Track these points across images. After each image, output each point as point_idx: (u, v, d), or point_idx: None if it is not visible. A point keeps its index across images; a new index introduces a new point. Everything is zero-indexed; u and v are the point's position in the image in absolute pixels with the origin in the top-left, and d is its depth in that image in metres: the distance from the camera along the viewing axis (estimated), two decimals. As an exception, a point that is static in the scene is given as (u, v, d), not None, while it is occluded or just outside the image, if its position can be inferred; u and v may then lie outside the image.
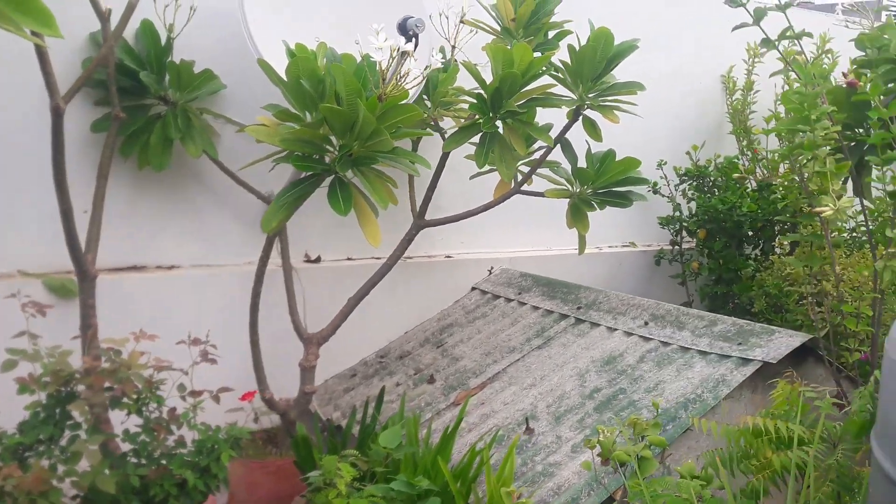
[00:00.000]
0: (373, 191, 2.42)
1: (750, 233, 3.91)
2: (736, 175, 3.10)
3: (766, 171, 4.08)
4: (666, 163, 4.29)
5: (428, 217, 3.30)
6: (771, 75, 3.14)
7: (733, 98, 4.43)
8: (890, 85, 2.88)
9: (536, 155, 3.20)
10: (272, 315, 3.18)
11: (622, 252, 4.41)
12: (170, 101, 2.96)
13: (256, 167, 2.66)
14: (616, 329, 3.15)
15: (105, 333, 2.36)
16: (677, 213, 4.22)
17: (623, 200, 3.21)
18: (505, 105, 2.84)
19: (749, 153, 4.30)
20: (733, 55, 4.52)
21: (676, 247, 4.25)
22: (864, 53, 2.96)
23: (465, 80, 3.13)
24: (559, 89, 3.05)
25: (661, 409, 2.52)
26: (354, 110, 2.31)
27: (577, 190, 3.24)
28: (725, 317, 2.94)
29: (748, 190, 3.91)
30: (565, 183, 3.28)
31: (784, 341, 2.68)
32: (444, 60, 2.62)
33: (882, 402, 1.41)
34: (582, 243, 3.31)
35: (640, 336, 3.04)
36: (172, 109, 2.95)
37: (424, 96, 3.19)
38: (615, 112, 3.14)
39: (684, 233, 4.23)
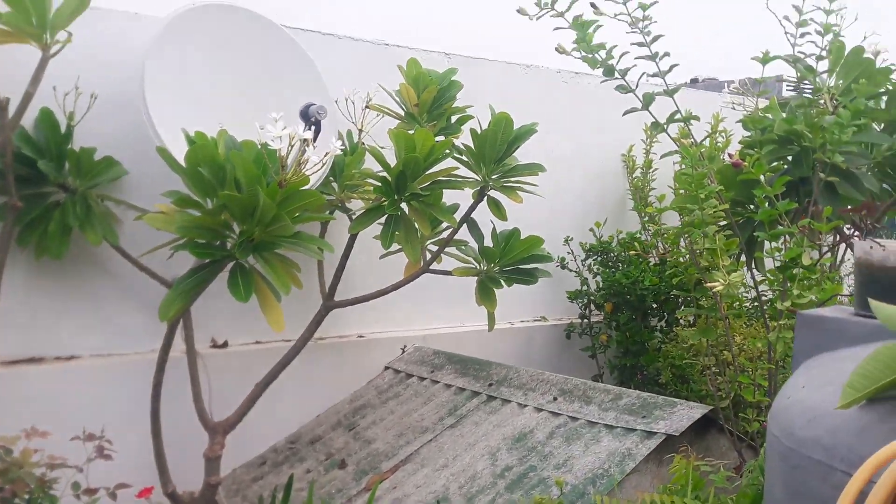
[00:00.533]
0: (274, 276, 2.41)
1: (654, 305, 4.03)
2: (632, 252, 3.21)
3: (665, 246, 4.23)
4: (572, 238, 4.41)
5: (338, 297, 3.30)
6: (662, 157, 3.29)
7: (633, 176, 4.60)
8: (774, 163, 3.05)
9: (445, 234, 3.26)
10: (176, 404, 3.09)
11: (534, 326, 4.48)
12: (69, 189, 2.91)
13: (161, 252, 2.63)
14: (526, 405, 3.17)
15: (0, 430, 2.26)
16: (584, 287, 4.32)
17: (528, 277, 3.27)
18: (409, 187, 2.89)
19: (650, 228, 4.45)
20: (633, 135, 4.72)
21: (585, 320, 4.34)
22: (749, 134, 3.14)
23: (373, 163, 3.18)
24: (464, 171, 3.14)
25: (570, 485, 2.54)
26: (254, 197, 2.32)
27: (485, 268, 3.30)
28: (630, 390, 3.00)
29: (650, 264, 4.04)
30: (473, 261, 3.34)
31: (685, 413, 2.74)
32: (342, 147, 2.66)
33: (766, 476, 1.46)
34: (491, 320, 3.35)
35: (550, 412, 3.07)
36: (72, 197, 2.91)
37: (332, 179, 3.23)
38: (518, 192, 3.23)
39: (592, 306, 4.33)
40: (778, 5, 2.71)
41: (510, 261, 3.27)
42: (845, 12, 2.76)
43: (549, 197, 3.53)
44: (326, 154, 2.36)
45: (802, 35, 2.71)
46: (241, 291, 2.36)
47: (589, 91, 4.71)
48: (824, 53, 2.71)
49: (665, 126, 2.77)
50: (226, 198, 2.31)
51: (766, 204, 2.69)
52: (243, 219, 2.38)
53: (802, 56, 2.78)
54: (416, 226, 2.91)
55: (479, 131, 3.18)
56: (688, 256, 3.04)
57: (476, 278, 3.31)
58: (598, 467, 2.59)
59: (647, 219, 4.52)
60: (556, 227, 4.39)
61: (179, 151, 2.52)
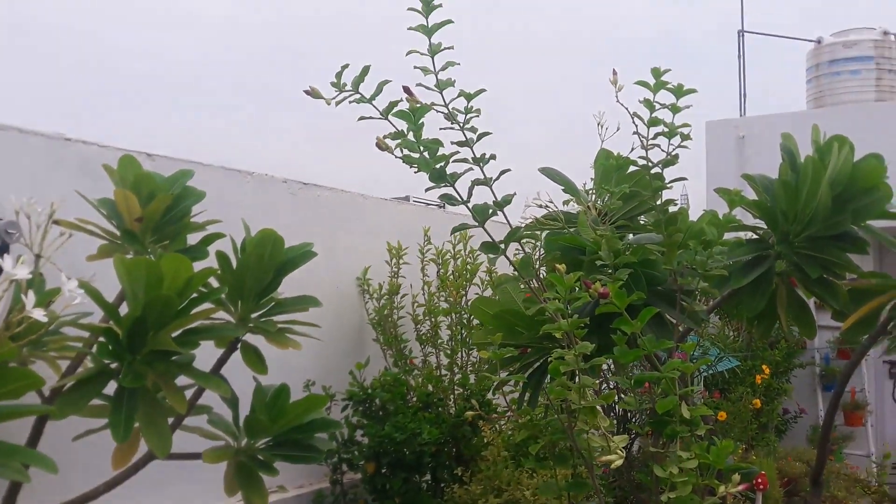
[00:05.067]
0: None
1: (427, 460, 3.32)
2: (469, 414, 2.48)
3: (431, 384, 3.58)
4: (314, 383, 3.57)
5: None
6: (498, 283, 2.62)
7: (379, 303, 3.92)
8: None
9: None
10: None
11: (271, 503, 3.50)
12: None
13: None
14: None
15: None
16: (333, 445, 3.47)
17: (310, 454, 2.40)
18: (151, 341, 1.91)
19: (403, 364, 3.78)
20: (369, 257, 4.08)
21: (338, 485, 3.47)
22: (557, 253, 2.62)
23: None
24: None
25: None
26: None
27: (244, 445, 2.36)
28: None
29: (420, 409, 3.35)
30: (224, 436, 2.38)
31: None
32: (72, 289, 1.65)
33: None
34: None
35: None
36: None
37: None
38: (288, 336, 2.39)
39: (345, 467, 3.49)
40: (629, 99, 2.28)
41: (281, 431, 2.37)
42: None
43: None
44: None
45: (655, 136, 2.30)
46: None
47: (319, 204, 4.00)
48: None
49: (503, 248, 2.15)
50: None
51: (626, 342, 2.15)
52: None
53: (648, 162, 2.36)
54: (167, 401, 1.92)
55: (229, 256, 2.31)
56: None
57: (228, 461, 2.36)
58: None
59: (395, 353, 3.85)
60: (293, 370, 3.52)
61: None
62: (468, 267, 3.96)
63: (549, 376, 2.22)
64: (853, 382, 7.18)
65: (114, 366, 1.93)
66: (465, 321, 3.86)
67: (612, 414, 4.32)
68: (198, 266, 2.10)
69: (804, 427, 7.15)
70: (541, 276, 2.48)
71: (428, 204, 5.07)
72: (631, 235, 2.61)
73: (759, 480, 5.38)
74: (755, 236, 2.79)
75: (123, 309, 2.05)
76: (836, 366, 7.31)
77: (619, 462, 1.90)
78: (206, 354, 2.33)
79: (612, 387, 3.25)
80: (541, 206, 2.73)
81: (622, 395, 2.95)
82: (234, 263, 2.32)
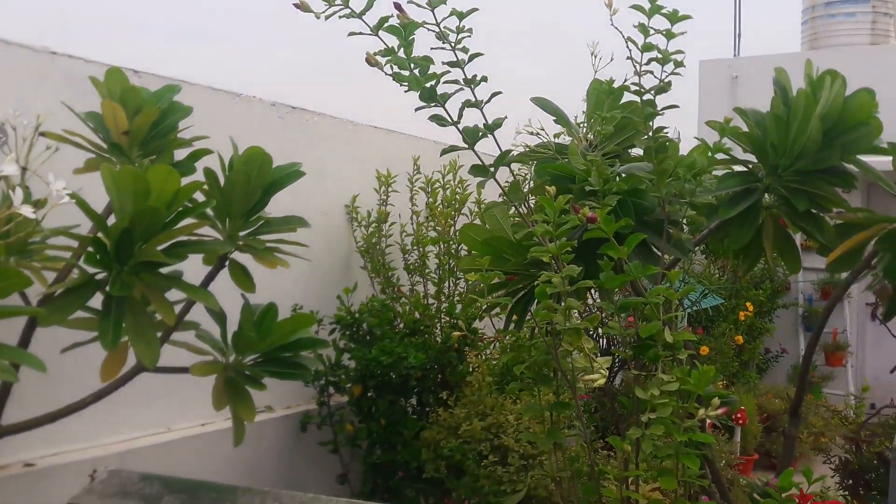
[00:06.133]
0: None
1: (413, 384, 3.36)
2: (456, 335, 2.50)
3: (418, 312, 3.61)
4: (302, 307, 3.59)
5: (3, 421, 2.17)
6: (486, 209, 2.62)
7: (368, 231, 3.91)
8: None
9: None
10: None
11: (257, 421, 3.53)
12: None
13: None
14: (305, 550, 2.29)
15: None
16: (321, 367, 3.51)
17: (296, 371, 2.43)
18: (139, 253, 1.91)
19: (391, 291, 3.80)
20: (357, 184, 4.06)
21: (325, 407, 3.52)
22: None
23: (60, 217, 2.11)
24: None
25: None
26: None
27: (232, 360, 2.39)
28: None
29: (407, 335, 3.38)
30: (212, 351, 2.40)
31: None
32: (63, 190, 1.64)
33: None
34: (240, 432, 2.44)
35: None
36: None
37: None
38: (276, 255, 2.40)
39: (331, 389, 3.53)
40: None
41: (269, 349, 2.40)
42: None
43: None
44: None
45: (648, 62, 2.28)
46: None
47: (307, 129, 3.96)
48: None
49: (493, 171, 2.14)
50: None
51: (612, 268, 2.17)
52: None
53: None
54: (155, 312, 1.93)
55: (217, 173, 2.30)
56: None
57: (217, 375, 2.39)
58: None
59: (383, 281, 3.87)
60: (281, 295, 3.53)
61: None
62: (457, 197, 3.95)
63: (535, 301, 2.24)
64: (835, 324, 7.30)
65: (101, 276, 1.93)
66: (453, 251, 3.86)
67: (597, 343, 4.38)
68: (185, 182, 2.09)
69: (785, 366, 7.29)
70: (530, 203, 2.48)
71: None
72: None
73: (739, 416, 5.50)
74: (745, 170, 2.79)
75: (111, 222, 2.05)
76: (820, 307, 7.42)
77: (602, 381, 1.93)
78: (194, 273, 2.33)
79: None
80: (532, 134, 2.72)
81: (606, 321, 2.98)
82: (222, 181, 2.31)
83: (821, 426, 5.40)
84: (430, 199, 4.00)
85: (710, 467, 2.85)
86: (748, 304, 6.05)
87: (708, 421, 3.17)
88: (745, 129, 2.72)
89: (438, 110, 2.08)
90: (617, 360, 4.85)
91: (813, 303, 7.49)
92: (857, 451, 2.54)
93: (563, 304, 2.10)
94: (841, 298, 4.23)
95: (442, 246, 3.88)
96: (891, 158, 2.55)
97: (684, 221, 2.54)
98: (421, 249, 3.91)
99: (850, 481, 2.61)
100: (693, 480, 2.19)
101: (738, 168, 2.81)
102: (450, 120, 2.10)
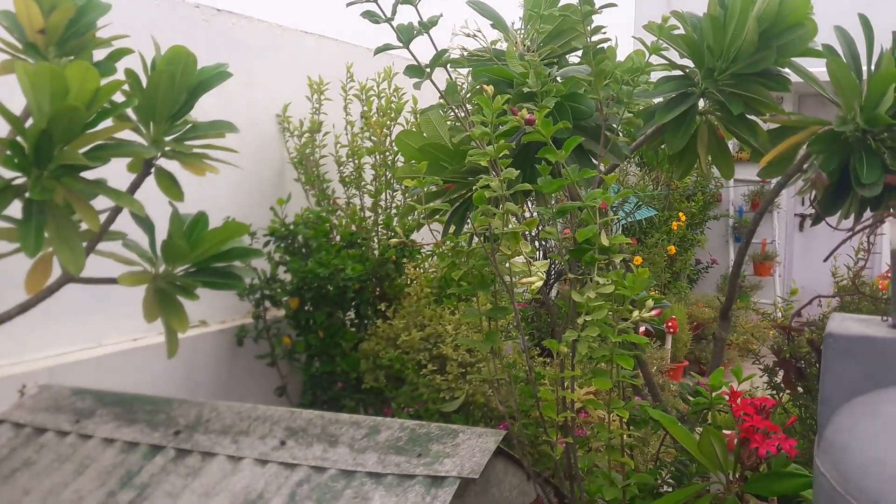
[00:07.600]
0: None
1: (351, 297, 3.34)
2: (394, 242, 2.43)
3: (354, 224, 3.56)
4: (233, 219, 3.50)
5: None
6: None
7: (301, 141, 3.81)
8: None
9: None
10: None
11: (191, 336, 3.49)
12: None
13: None
14: (242, 457, 2.29)
15: None
16: (256, 281, 3.45)
17: (228, 280, 2.37)
18: (59, 156, 1.82)
19: (326, 204, 3.73)
20: (289, 92, 3.93)
21: (261, 320, 3.49)
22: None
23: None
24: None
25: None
26: None
27: (162, 271, 2.32)
28: (390, 420, 2.30)
29: (344, 248, 3.34)
30: (141, 261, 2.33)
31: (474, 444, 2.12)
32: None
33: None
34: (173, 342, 2.39)
35: (281, 463, 2.23)
36: None
37: None
38: (205, 161, 2.32)
39: (267, 303, 3.49)
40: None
41: (200, 258, 2.34)
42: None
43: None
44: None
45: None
46: None
47: (234, 34, 3.80)
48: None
49: (429, 71, 2.07)
50: None
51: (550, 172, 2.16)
52: None
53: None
54: (79, 216, 1.85)
55: (139, 74, 2.19)
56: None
57: (147, 286, 2.32)
58: (388, 542, 1.86)
59: (318, 193, 3.80)
60: (211, 207, 3.44)
61: None
62: (392, 105, 3.87)
63: (473, 208, 2.22)
64: (765, 234, 7.50)
65: (21, 182, 1.83)
66: (389, 162, 3.80)
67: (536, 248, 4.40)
68: (106, 82, 1.98)
69: (715, 277, 7.49)
70: (467, 107, 2.44)
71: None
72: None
73: (670, 324, 5.65)
74: (682, 73, 2.78)
75: (30, 125, 1.94)
76: (749, 218, 7.59)
77: (540, 283, 1.93)
78: (118, 182, 2.24)
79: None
80: (469, 36, 2.65)
81: (544, 226, 2.99)
82: (144, 83, 2.20)
83: (750, 329, 5.59)
84: (365, 108, 3.91)
85: (642, 369, 2.93)
86: (681, 214, 6.15)
87: (641, 328, 3.24)
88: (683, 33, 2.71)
89: (371, 6, 2.00)
90: (553, 271, 4.91)
91: (743, 214, 7.67)
92: (789, 340, 2.63)
93: (501, 208, 2.08)
94: (771, 203, 4.32)
95: (378, 157, 3.81)
96: (824, 62, 2.57)
97: (619, 128, 2.54)
98: (356, 161, 3.84)
99: (780, 375, 2.70)
100: (627, 380, 2.24)
101: (675, 73, 2.80)
102: (383, 17, 2.02)
